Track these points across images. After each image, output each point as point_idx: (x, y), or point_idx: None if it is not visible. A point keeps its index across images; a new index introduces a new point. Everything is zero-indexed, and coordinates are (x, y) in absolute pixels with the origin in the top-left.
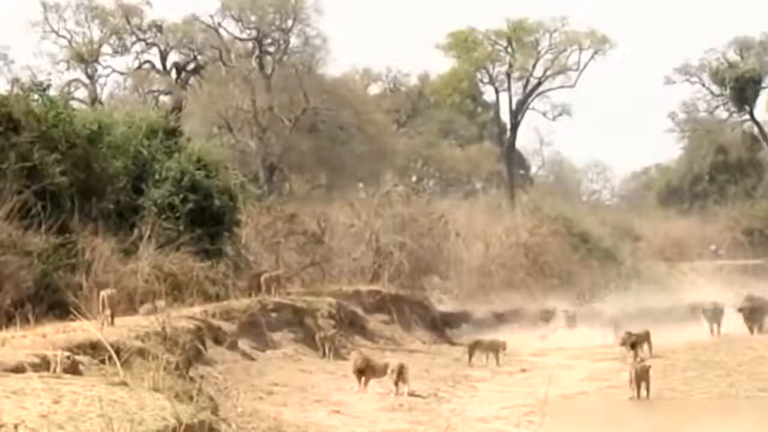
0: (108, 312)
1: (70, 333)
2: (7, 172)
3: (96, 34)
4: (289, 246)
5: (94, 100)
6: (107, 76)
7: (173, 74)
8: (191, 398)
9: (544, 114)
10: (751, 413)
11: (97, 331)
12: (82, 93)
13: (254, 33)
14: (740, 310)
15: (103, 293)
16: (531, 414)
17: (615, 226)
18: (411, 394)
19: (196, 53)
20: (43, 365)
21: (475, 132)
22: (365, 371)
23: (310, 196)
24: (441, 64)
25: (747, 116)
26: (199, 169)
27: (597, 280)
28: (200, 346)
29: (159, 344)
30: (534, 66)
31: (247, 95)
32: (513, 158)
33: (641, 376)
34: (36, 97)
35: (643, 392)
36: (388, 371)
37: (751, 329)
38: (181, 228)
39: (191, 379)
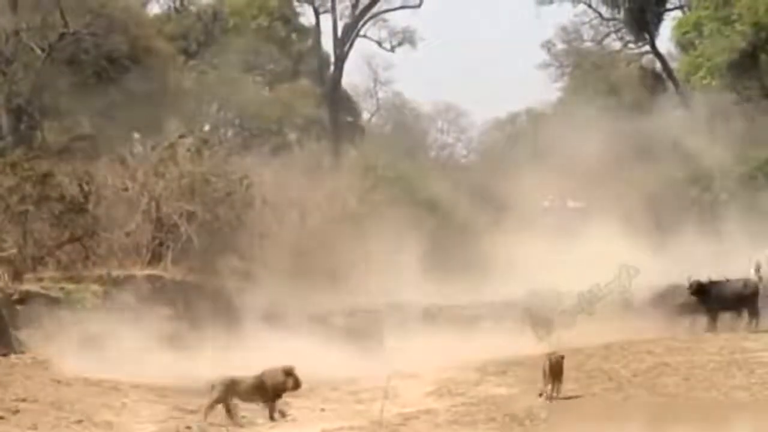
0: None
1: None
2: None
3: None
4: (42, 216)
5: None
6: None
7: None
8: None
9: (380, 43)
10: None
11: None
12: None
13: None
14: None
15: None
16: None
17: (473, 192)
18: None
19: None
20: None
21: (289, 66)
22: None
23: (70, 149)
24: None
25: (647, 47)
26: None
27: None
28: None
29: None
30: None
31: None
32: (338, 101)
33: (556, 370)
34: None
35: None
36: None
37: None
38: None
39: None
